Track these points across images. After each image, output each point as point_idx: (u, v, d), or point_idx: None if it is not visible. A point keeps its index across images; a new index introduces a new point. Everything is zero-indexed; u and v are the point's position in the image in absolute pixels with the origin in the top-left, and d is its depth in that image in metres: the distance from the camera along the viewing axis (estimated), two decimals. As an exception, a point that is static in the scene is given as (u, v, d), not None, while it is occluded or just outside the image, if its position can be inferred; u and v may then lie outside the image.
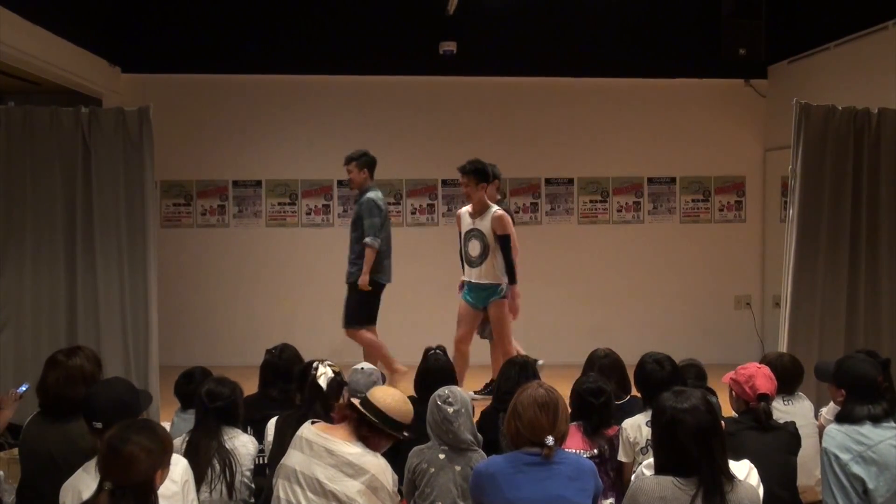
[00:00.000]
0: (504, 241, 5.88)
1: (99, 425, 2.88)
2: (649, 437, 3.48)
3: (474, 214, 6.01)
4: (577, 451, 3.42)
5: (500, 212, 5.94)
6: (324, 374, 3.66)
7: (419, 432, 3.62)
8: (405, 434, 3.18)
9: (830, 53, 7.18)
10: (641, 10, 8.01)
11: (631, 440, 3.60)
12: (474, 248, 5.97)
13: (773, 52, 7.74)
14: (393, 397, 3.15)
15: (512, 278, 5.90)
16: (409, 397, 4.16)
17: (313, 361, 3.79)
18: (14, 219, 4.84)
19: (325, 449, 2.99)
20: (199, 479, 3.30)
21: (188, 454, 3.33)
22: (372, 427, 3.05)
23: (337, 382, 3.68)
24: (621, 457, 3.63)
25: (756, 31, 7.23)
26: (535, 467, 2.78)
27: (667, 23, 8.08)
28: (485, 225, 5.91)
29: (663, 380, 3.68)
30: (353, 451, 3.00)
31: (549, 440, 2.78)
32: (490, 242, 5.89)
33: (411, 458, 3.39)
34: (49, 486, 2.83)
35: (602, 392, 3.69)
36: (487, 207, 5.95)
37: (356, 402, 3.12)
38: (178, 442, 3.49)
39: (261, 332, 7.87)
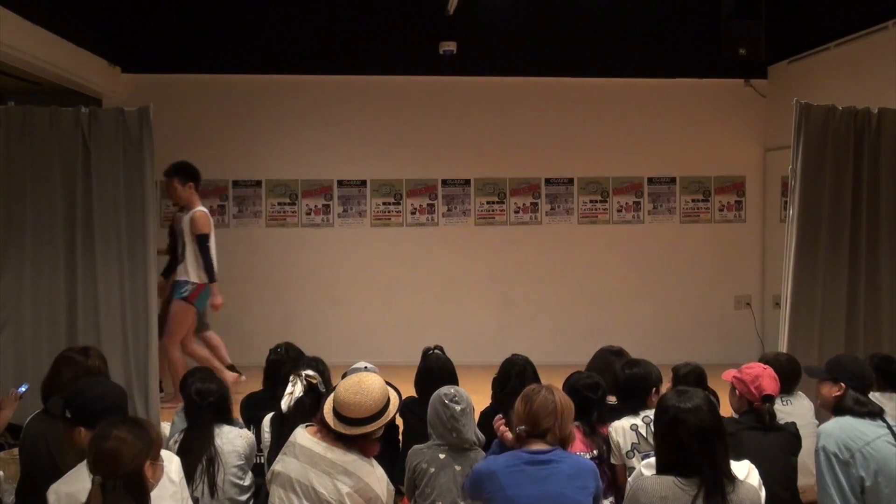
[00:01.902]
0: (201, 241, 5.99)
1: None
2: (634, 441, 3.51)
3: (182, 213, 6.20)
4: (577, 454, 3.41)
5: (200, 211, 6.09)
6: (290, 395, 3.59)
7: (420, 431, 3.62)
8: (393, 415, 3.08)
9: (830, 53, 7.18)
10: (641, 10, 8.01)
11: (616, 441, 3.59)
12: (180, 245, 6.15)
13: (773, 52, 7.74)
14: (354, 392, 2.97)
15: (211, 277, 6.04)
16: (409, 397, 4.20)
17: (294, 374, 3.70)
18: (14, 219, 4.83)
19: (320, 456, 2.94)
20: (191, 475, 3.30)
21: (182, 451, 3.32)
22: (354, 437, 2.97)
23: (313, 397, 3.56)
24: (613, 459, 3.62)
25: (756, 31, 7.23)
26: (535, 466, 2.79)
27: (667, 23, 8.09)
28: (185, 223, 6.09)
29: (624, 371, 3.71)
30: (348, 458, 2.95)
31: (520, 429, 2.84)
32: (186, 241, 6.05)
33: (411, 457, 3.38)
34: (49, 485, 2.82)
35: (599, 386, 3.70)
36: (191, 207, 6.12)
37: (329, 415, 2.99)
38: (172, 441, 3.49)
39: (260, 332, 7.87)
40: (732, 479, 2.51)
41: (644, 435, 3.52)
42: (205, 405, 3.51)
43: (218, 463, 3.39)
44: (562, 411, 2.92)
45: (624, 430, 3.59)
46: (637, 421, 3.58)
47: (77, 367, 3.43)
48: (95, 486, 2.36)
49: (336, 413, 2.98)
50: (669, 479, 2.49)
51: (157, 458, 2.55)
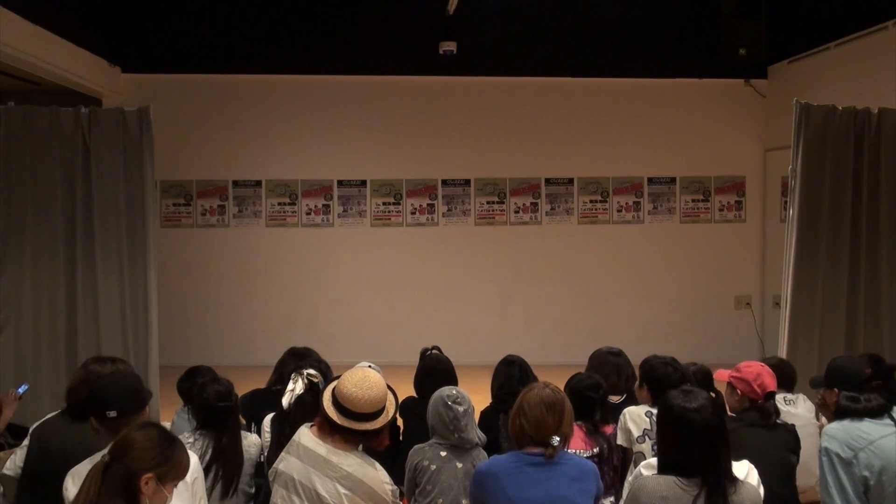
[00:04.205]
0: None
1: (113, 413, 2.87)
2: (647, 427, 3.54)
3: None
4: (577, 451, 3.42)
5: None
6: (291, 392, 3.55)
7: (420, 431, 3.62)
8: (394, 417, 3.07)
9: (830, 53, 7.18)
10: (641, 10, 8.02)
11: (628, 427, 3.61)
12: None
13: (773, 52, 7.75)
14: (361, 386, 2.93)
15: None
16: (409, 397, 4.20)
17: (296, 371, 3.64)
18: (14, 219, 4.84)
19: (323, 459, 2.91)
20: (231, 482, 3.28)
21: (218, 459, 3.27)
22: (350, 431, 2.94)
23: (314, 396, 3.46)
24: (620, 440, 3.64)
25: (756, 31, 7.23)
26: (537, 467, 2.78)
27: (667, 23, 8.09)
28: None
29: (677, 382, 3.69)
30: (351, 462, 2.91)
31: (555, 440, 2.78)
32: None
33: (412, 456, 3.38)
34: (55, 484, 2.84)
35: (599, 386, 3.71)
36: None
37: (331, 410, 2.95)
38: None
39: (260, 333, 7.90)
40: (734, 480, 2.51)
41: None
42: (228, 409, 3.39)
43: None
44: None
45: (638, 415, 3.62)
46: (653, 409, 3.62)
47: (87, 373, 3.43)
48: (100, 462, 2.31)
49: (340, 407, 2.94)
50: (670, 479, 2.49)
51: (164, 480, 2.37)
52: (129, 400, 2.93)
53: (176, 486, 2.47)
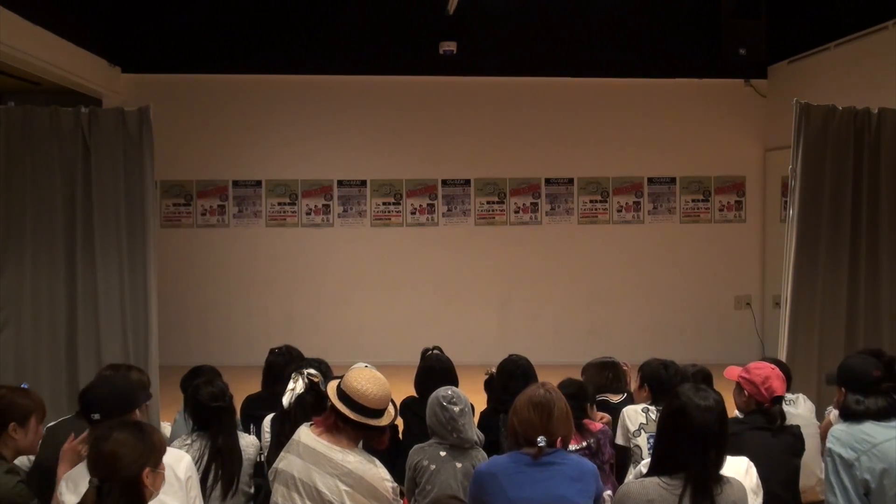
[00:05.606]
0: None
1: (97, 416, 2.94)
2: (643, 422, 3.65)
3: None
4: (574, 447, 3.44)
5: None
6: (291, 391, 3.55)
7: (420, 431, 3.63)
8: (391, 418, 3.10)
9: (830, 53, 7.18)
10: (641, 11, 8.02)
11: (626, 424, 3.71)
12: None
13: (773, 52, 7.75)
14: (374, 383, 3.01)
15: None
16: (409, 397, 4.20)
17: (297, 371, 3.65)
18: (14, 219, 4.82)
19: (324, 456, 2.93)
20: (231, 484, 3.27)
21: (216, 459, 3.26)
22: (360, 426, 2.97)
23: (315, 395, 3.48)
24: (618, 440, 3.71)
25: (756, 31, 7.23)
26: (536, 467, 2.77)
27: (667, 23, 8.09)
28: None
29: (678, 385, 3.74)
30: (352, 459, 2.93)
31: (541, 440, 2.77)
32: None
33: (412, 455, 3.39)
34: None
35: (571, 385, 3.74)
36: None
37: (334, 397, 2.98)
38: (178, 443, 3.47)
39: (260, 332, 7.90)
40: (719, 479, 2.49)
41: (653, 418, 3.62)
42: (221, 409, 3.40)
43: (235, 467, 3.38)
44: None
45: (635, 411, 3.70)
46: (650, 406, 3.73)
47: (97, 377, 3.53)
48: (91, 489, 2.32)
49: (352, 403, 2.96)
50: (653, 481, 2.47)
51: (157, 465, 2.45)
52: (114, 403, 2.99)
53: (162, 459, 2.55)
